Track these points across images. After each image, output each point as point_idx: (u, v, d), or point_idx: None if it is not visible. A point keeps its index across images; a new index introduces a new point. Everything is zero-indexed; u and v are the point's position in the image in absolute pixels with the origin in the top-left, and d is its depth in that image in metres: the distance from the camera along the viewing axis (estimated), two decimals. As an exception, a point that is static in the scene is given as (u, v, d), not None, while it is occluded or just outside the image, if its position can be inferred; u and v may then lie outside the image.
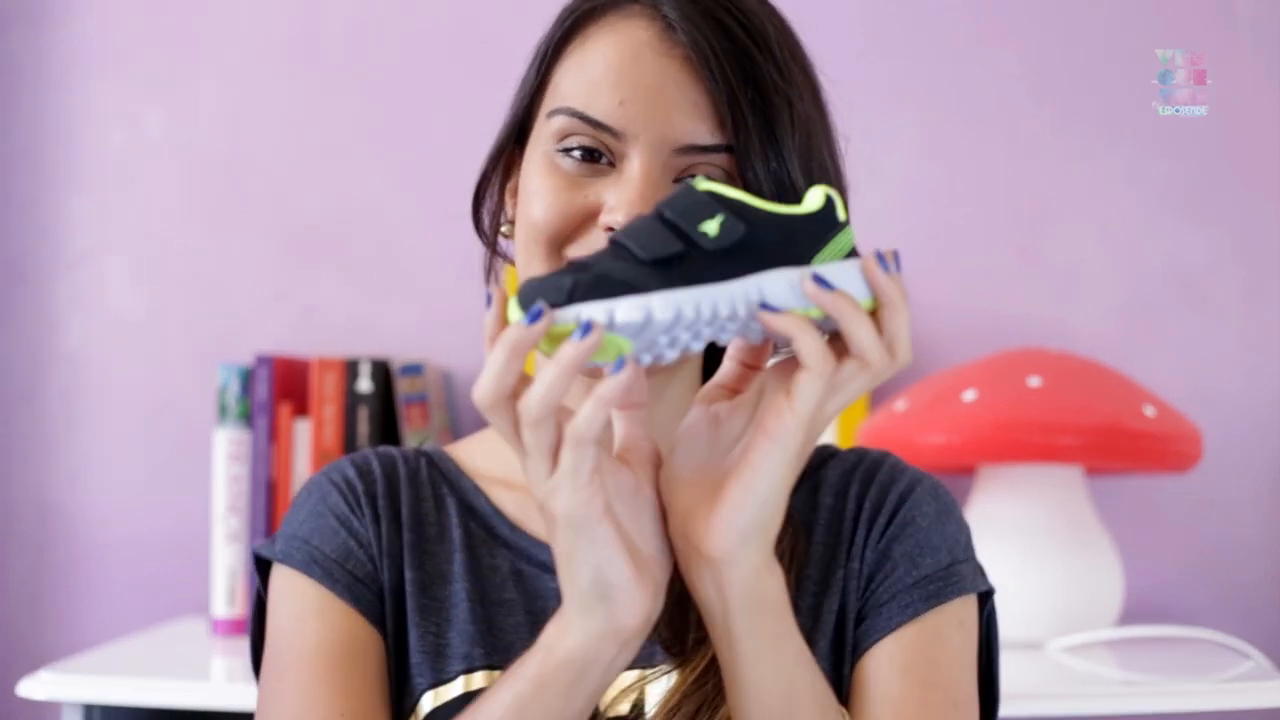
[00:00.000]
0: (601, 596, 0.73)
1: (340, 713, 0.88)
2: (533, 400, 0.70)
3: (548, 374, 0.69)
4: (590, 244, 0.88)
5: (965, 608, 0.92)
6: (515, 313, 0.72)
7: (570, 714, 0.77)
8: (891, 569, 0.91)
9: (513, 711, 0.77)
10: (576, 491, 0.71)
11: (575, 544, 0.73)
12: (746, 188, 0.87)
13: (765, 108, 0.87)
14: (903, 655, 0.88)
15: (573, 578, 0.74)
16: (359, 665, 0.91)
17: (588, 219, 0.88)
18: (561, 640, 0.75)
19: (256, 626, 0.98)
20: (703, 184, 0.75)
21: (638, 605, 0.74)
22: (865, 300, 0.74)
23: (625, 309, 0.71)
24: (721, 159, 0.87)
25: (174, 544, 1.70)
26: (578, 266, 0.72)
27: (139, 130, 1.77)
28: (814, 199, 0.76)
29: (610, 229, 0.86)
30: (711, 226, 0.73)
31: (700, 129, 0.87)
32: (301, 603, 0.93)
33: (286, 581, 0.94)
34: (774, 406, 0.74)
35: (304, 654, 0.90)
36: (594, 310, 0.70)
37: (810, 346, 0.72)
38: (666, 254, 0.72)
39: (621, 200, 0.86)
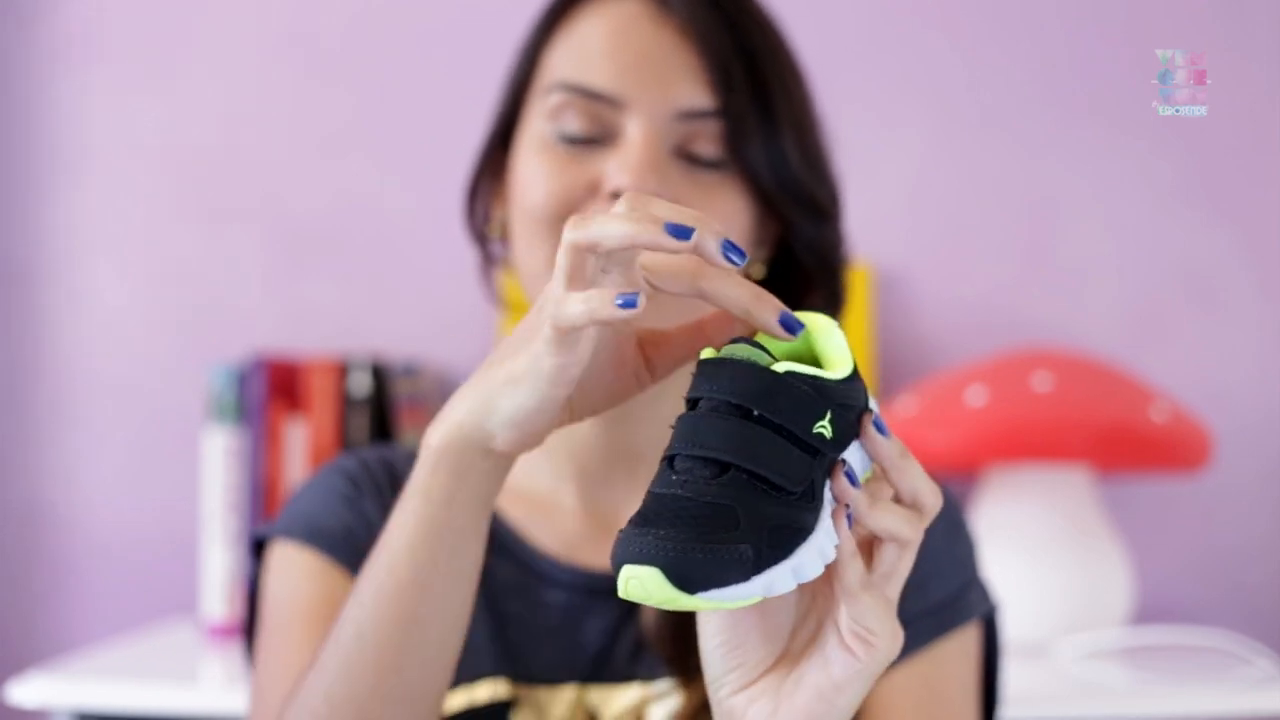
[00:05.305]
0: (511, 379, 0.67)
1: None
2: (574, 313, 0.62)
3: (595, 304, 0.61)
4: None
5: (971, 631, 0.91)
6: (687, 601, 0.57)
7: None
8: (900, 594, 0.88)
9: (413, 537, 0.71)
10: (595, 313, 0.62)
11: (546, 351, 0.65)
12: (740, 159, 0.86)
13: (758, 77, 0.87)
14: (910, 690, 0.86)
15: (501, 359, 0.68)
16: None
17: (587, 195, 0.86)
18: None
19: (250, 610, 0.95)
20: (758, 355, 0.61)
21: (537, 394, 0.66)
22: (866, 471, 0.65)
23: (811, 566, 0.59)
24: (719, 127, 0.86)
25: (165, 544, 1.68)
26: (718, 515, 0.57)
27: (130, 126, 1.74)
28: (844, 360, 0.63)
29: (615, 195, 0.84)
30: (825, 428, 0.60)
31: (697, 93, 0.86)
32: (299, 570, 0.89)
33: (284, 554, 0.90)
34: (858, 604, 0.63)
35: (298, 613, 0.87)
36: (782, 578, 0.58)
37: (926, 483, 0.63)
38: (810, 479, 0.60)
39: (625, 165, 0.84)
